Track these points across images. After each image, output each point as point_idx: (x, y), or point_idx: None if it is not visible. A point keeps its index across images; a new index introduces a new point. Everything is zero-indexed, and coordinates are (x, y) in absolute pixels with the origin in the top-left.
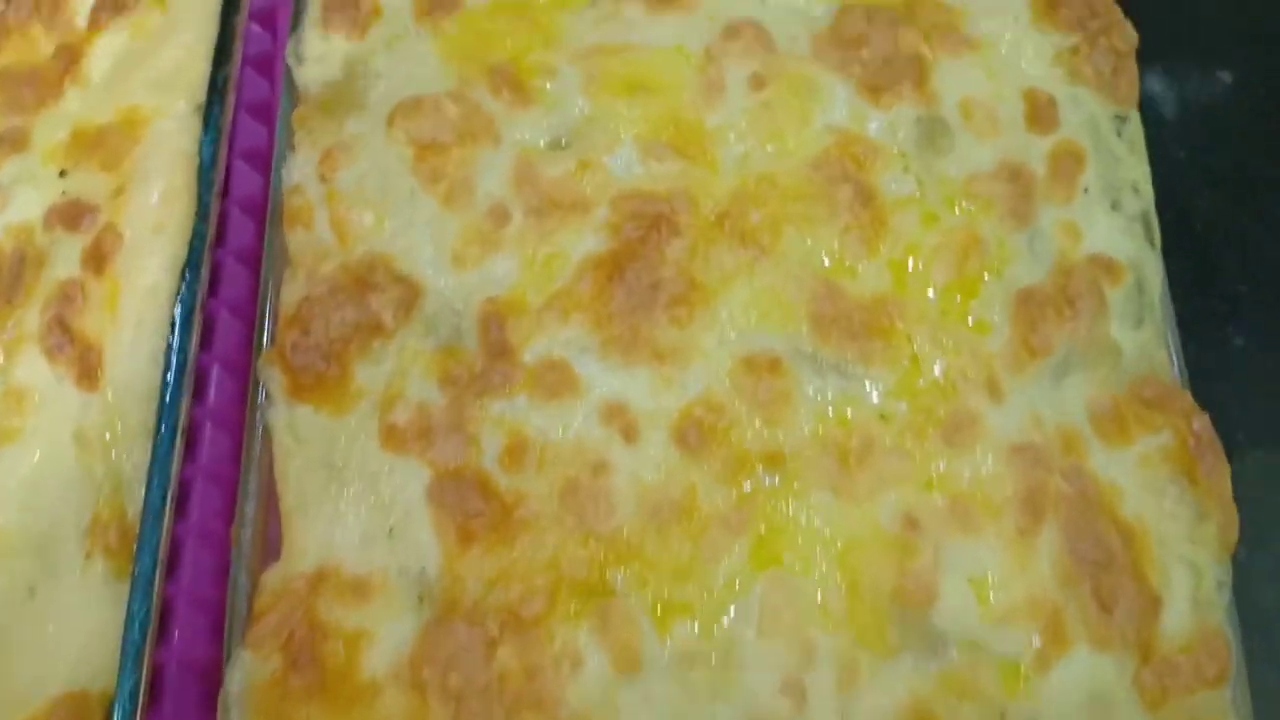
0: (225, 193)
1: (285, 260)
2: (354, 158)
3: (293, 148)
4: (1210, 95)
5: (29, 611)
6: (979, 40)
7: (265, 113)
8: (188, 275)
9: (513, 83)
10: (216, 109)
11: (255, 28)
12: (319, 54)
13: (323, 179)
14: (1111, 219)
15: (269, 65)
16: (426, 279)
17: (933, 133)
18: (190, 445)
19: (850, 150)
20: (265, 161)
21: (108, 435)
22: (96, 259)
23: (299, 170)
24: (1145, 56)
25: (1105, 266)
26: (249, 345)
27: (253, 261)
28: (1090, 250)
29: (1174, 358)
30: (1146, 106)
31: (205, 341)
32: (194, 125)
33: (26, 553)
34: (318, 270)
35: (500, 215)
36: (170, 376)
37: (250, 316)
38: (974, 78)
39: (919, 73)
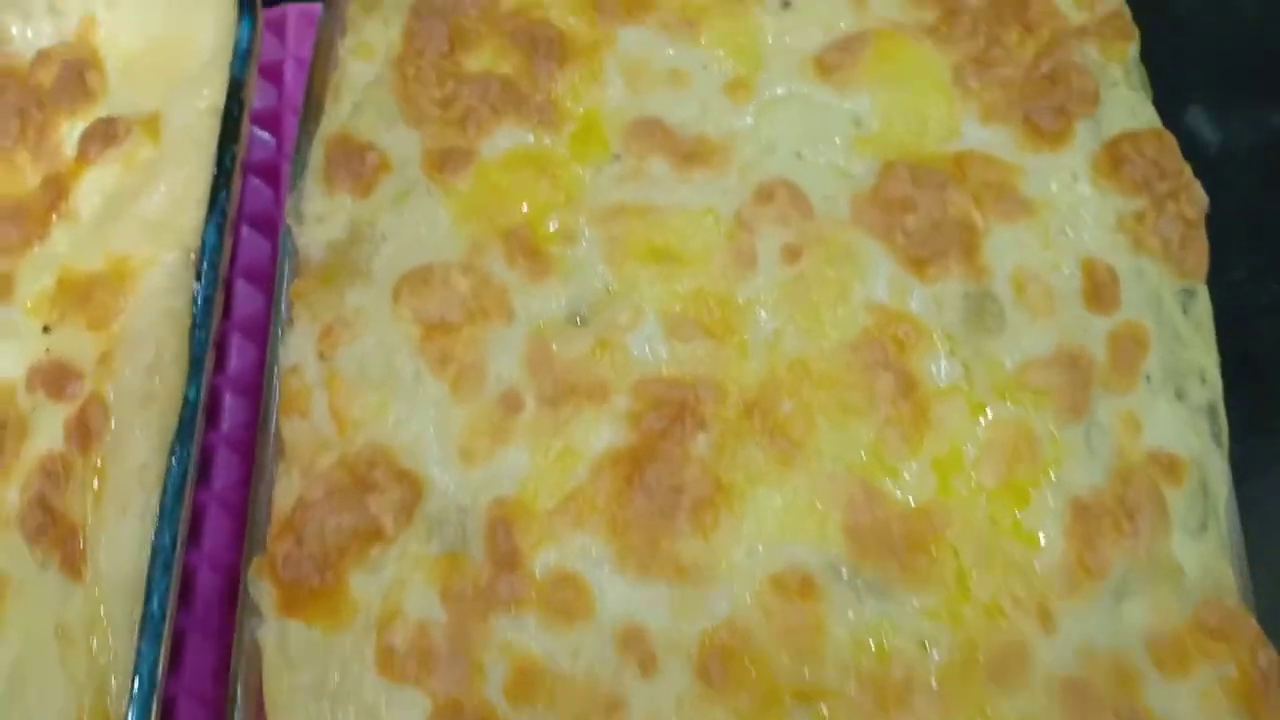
0: (226, 314)
1: (280, 447)
2: (356, 334)
3: (290, 321)
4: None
5: None
6: (1035, 202)
7: (270, 227)
8: (177, 449)
9: (528, 250)
10: (210, 255)
11: (259, 132)
12: (321, 213)
13: (322, 357)
14: (1174, 410)
15: (275, 173)
16: (431, 476)
17: (982, 310)
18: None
19: (891, 331)
20: (267, 280)
21: (92, 630)
22: (82, 434)
23: (296, 348)
24: (1190, 98)
25: (1167, 466)
26: (247, 483)
27: (253, 391)
28: (1150, 445)
29: (1237, 560)
30: (1191, 154)
31: (204, 476)
32: (186, 277)
33: None
34: (314, 466)
35: (512, 402)
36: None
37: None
38: (1028, 245)
39: (968, 242)
